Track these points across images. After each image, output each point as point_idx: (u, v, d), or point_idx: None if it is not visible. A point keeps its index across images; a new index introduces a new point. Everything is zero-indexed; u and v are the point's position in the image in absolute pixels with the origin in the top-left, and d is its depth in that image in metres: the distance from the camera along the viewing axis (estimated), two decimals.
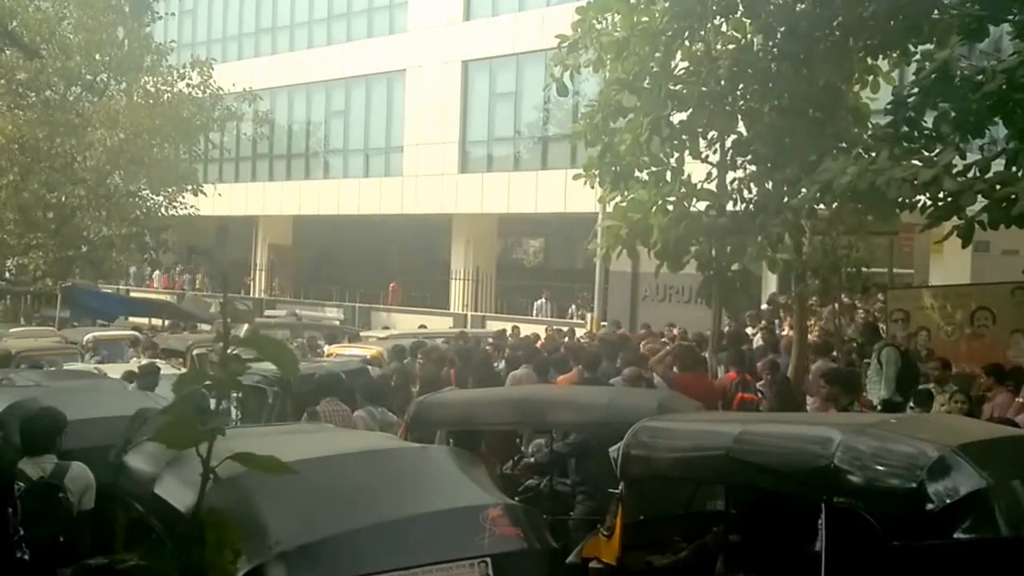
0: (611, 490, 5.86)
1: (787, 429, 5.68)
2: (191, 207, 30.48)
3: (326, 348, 19.21)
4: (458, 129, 30.42)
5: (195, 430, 1.55)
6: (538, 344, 17.66)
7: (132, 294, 35.16)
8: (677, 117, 13.70)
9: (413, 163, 31.25)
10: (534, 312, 28.84)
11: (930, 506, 4.54)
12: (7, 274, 32.27)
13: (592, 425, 7.56)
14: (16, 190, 27.83)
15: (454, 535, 4.48)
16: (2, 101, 28.86)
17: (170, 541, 4.80)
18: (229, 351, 1.59)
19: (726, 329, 15.34)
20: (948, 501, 4.53)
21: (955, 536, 4.50)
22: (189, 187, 30.45)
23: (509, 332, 21.00)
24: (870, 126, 13.03)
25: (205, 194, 30.73)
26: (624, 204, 14.33)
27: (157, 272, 39.01)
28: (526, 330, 21.68)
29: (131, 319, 27.43)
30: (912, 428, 5.50)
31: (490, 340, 18.99)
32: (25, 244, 29.46)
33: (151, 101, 29.77)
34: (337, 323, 27.57)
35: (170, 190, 30.31)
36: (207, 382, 1.57)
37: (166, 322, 26.36)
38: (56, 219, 29.09)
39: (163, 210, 30.44)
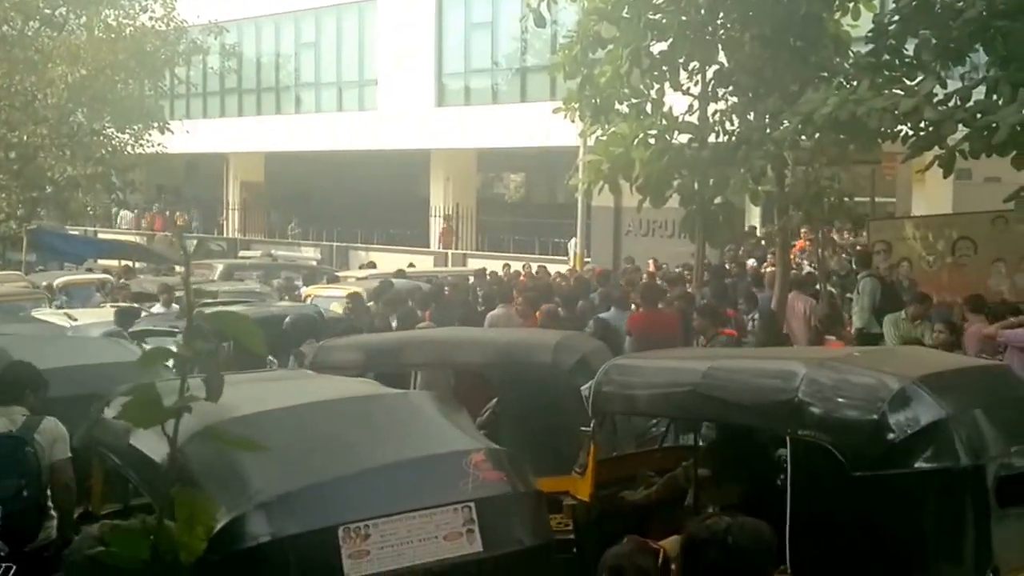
0: (583, 428, 6.04)
1: (753, 364, 5.90)
2: (158, 145, 30.36)
3: (303, 289, 19.40)
4: (433, 61, 30.35)
5: (161, 408, 1.55)
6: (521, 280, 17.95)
7: (100, 235, 35.13)
8: (657, 48, 13.88)
9: (388, 97, 31.19)
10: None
11: (891, 437, 4.75)
12: None
13: (487, 365, 7.74)
14: None
15: (437, 481, 4.59)
16: None
17: (147, 493, 5.01)
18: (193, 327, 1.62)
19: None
20: (909, 432, 4.72)
21: (916, 466, 4.70)
22: (156, 124, 30.30)
23: (500, 271, 21.29)
24: (851, 55, 13.26)
25: (172, 131, 30.62)
26: (605, 138, 14.56)
27: (146, 212, 38.75)
28: (514, 268, 21.98)
29: (100, 262, 27.54)
30: (875, 360, 5.68)
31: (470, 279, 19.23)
32: None
33: (113, 35, 29.49)
34: (314, 263, 27.75)
35: (136, 128, 30.14)
36: (170, 360, 1.59)
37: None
38: (18, 159, 28.93)
39: (129, 148, 30.30)
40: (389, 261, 26.73)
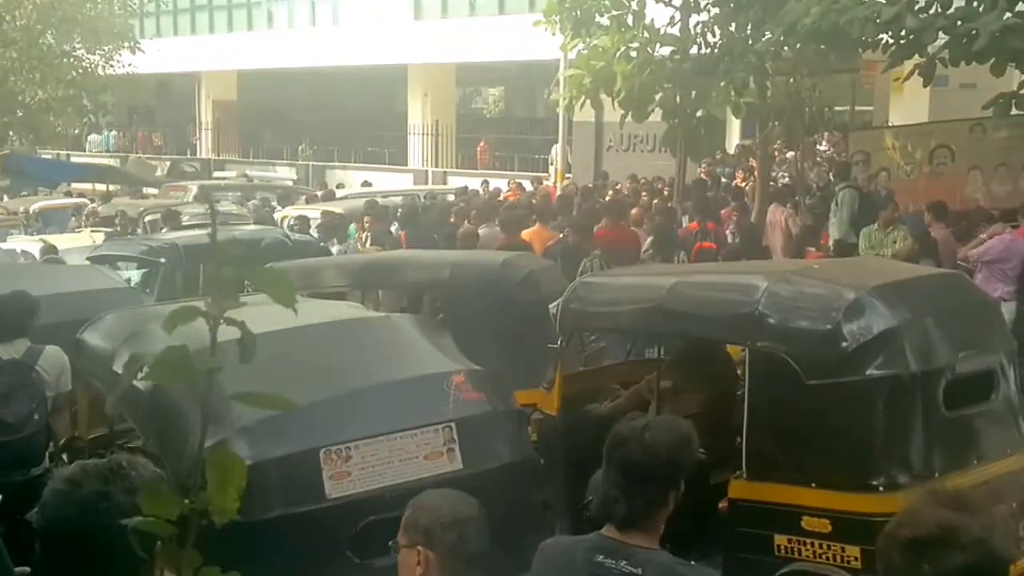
0: (550, 345, 6.18)
1: (716, 279, 6.12)
2: (129, 66, 29.98)
3: (279, 211, 19.32)
4: None
5: (190, 367, 1.55)
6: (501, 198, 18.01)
7: (73, 159, 34.90)
8: None
9: (363, 11, 30.80)
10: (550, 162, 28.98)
11: (844, 345, 4.92)
12: None
13: (434, 284, 7.87)
14: None
15: (419, 402, 4.69)
16: None
17: (132, 421, 5.11)
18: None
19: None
20: (861, 340, 4.91)
21: (868, 373, 4.89)
22: (126, 44, 29.89)
23: (479, 187, 21.30)
24: None
25: (143, 51, 30.23)
26: (586, 52, 14.56)
27: (110, 133, 38.47)
28: (494, 185, 22.01)
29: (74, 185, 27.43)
30: (832, 272, 5.87)
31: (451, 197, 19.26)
32: None
33: None
34: (290, 183, 27.70)
35: (106, 48, 29.75)
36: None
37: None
38: None
39: (100, 70, 29.95)
40: (366, 179, 26.72)
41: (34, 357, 6.13)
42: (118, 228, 16.99)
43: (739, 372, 6.00)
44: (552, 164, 24.25)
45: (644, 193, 16.50)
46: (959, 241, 10.72)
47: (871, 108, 22.49)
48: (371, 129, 32.66)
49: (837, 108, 16.13)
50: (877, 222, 11.23)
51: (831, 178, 14.91)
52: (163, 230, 15.54)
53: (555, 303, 6.35)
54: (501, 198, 18.68)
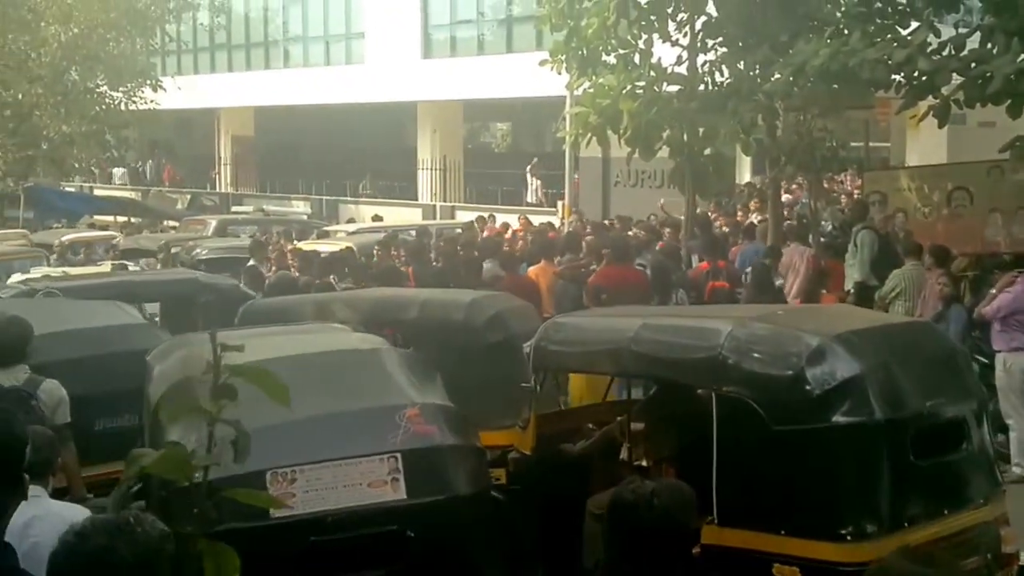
0: (523, 384, 6.05)
1: (680, 322, 5.93)
2: (151, 102, 29.63)
3: (295, 243, 18.80)
4: (419, 13, 29.54)
5: (187, 463, 1.62)
6: (508, 234, 17.42)
7: (96, 191, 34.48)
8: None
9: (374, 50, 30.40)
10: (528, 194, 28.49)
11: (809, 391, 4.76)
12: None
13: (405, 323, 7.77)
14: None
15: (367, 432, 4.71)
16: None
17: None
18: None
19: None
20: (826, 387, 4.74)
21: (834, 420, 4.71)
22: (148, 81, 29.57)
23: (486, 220, 20.74)
24: (843, 3, 12.65)
25: (164, 88, 29.87)
26: (592, 90, 14.01)
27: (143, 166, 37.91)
28: (500, 220, 21.41)
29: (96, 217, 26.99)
30: (795, 318, 5.78)
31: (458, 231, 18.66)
32: None
33: None
34: (305, 217, 27.14)
35: (129, 85, 29.42)
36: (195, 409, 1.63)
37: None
38: (14, 118, 28.25)
39: (123, 106, 29.59)
40: (379, 214, 26.19)
41: (34, 386, 5.88)
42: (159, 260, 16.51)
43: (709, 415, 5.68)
44: (560, 201, 23.63)
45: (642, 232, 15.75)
46: (977, 289, 10.06)
47: (887, 144, 21.81)
48: (382, 164, 32.21)
49: (852, 144, 15.46)
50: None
51: (843, 214, 14.19)
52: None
53: (528, 343, 6.10)
54: (509, 234, 18.12)
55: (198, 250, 16.98)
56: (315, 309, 8.41)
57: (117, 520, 2.26)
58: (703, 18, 13.42)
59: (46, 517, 3.92)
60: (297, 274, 12.97)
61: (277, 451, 4.43)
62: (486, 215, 21.75)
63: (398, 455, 4.55)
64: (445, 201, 29.30)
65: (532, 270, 11.98)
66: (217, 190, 35.37)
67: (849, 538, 4.63)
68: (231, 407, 4.96)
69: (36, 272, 15.28)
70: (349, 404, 4.96)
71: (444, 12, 29.47)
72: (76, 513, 4.43)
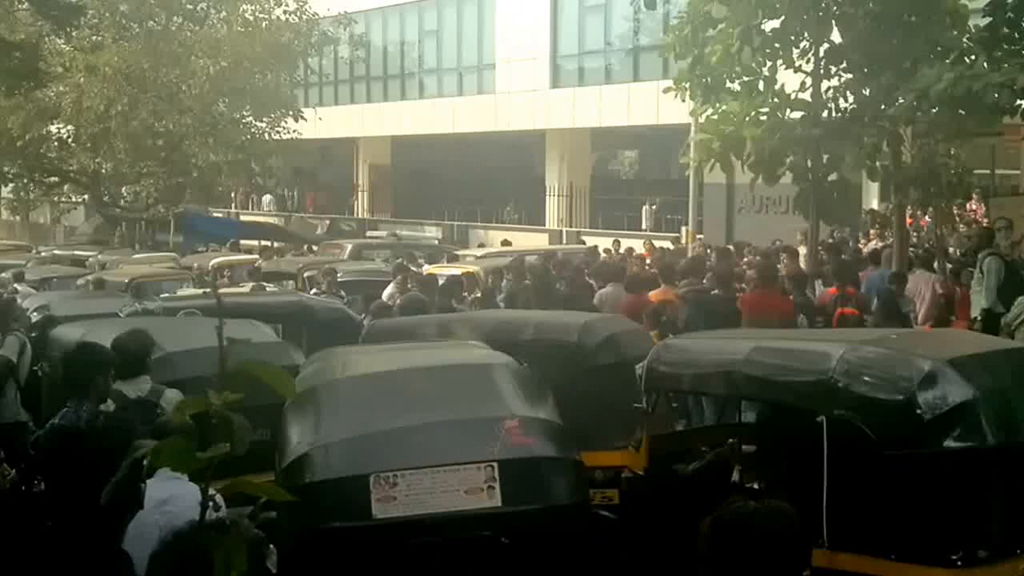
0: (635, 405, 6.10)
1: (793, 345, 5.87)
2: (293, 131, 30.80)
3: (425, 268, 19.29)
4: (548, 43, 29.93)
5: (192, 456, 1.57)
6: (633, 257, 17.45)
7: (242, 217, 35.91)
8: (769, 25, 13.23)
9: (505, 80, 30.93)
10: (642, 221, 28.55)
11: (920, 416, 4.66)
12: (122, 201, 33.28)
13: (518, 344, 7.70)
14: (126, 120, 28.42)
15: (466, 441, 4.89)
16: (107, 33, 29.34)
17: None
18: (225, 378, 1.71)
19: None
20: (938, 412, 4.64)
21: (945, 445, 4.61)
22: (290, 112, 30.76)
23: (611, 246, 20.86)
24: (967, 28, 12.36)
25: (305, 119, 31.01)
26: (716, 117, 14.01)
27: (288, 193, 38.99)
28: (626, 245, 21.51)
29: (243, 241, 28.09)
30: (908, 343, 5.66)
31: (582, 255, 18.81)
32: (137, 172, 30.27)
33: (250, 29, 29.99)
34: (436, 242, 27.72)
35: (272, 115, 30.64)
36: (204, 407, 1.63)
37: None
38: (165, 147, 29.72)
39: (266, 135, 30.82)
40: (508, 239, 26.56)
41: (157, 396, 6.06)
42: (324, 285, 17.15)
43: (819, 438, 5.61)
44: (684, 227, 23.55)
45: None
46: None
47: (1017, 172, 21.04)
48: (511, 191, 32.64)
49: (979, 171, 14.99)
50: None
51: (968, 240, 13.77)
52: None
53: (640, 363, 6.20)
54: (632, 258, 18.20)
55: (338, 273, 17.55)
56: (438, 329, 8.64)
57: (215, 522, 2.30)
58: (826, 44, 13.25)
59: (182, 496, 4.28)
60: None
61: (381, 456, 4.70)
62: (612, 241, 21.89)
63: (495, 464, 4.71)
64: (571, 226, 29.51)
65: (653, 294, 12.05)
66: (354, 216, 36.42)
67: (960, 564, 4.54)
68: (346, 412, 5.33)
69: (182, 292, 16.15)
70: (452, 414, 5.14)
71: (572, 43, 29.80)
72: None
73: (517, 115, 29.87)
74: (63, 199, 37.73)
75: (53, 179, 34.59)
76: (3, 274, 19.80)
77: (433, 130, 33.15)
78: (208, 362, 7.31)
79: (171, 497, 4.29)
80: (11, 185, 35.77)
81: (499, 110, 30.37)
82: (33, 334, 9.34)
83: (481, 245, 26.24)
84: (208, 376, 6.84)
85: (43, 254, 25.24)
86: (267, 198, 38.21)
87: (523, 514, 4.67)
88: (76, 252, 25.89)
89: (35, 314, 10.96)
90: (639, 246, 20.93)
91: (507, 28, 30.80)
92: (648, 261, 17.71)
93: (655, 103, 25.23)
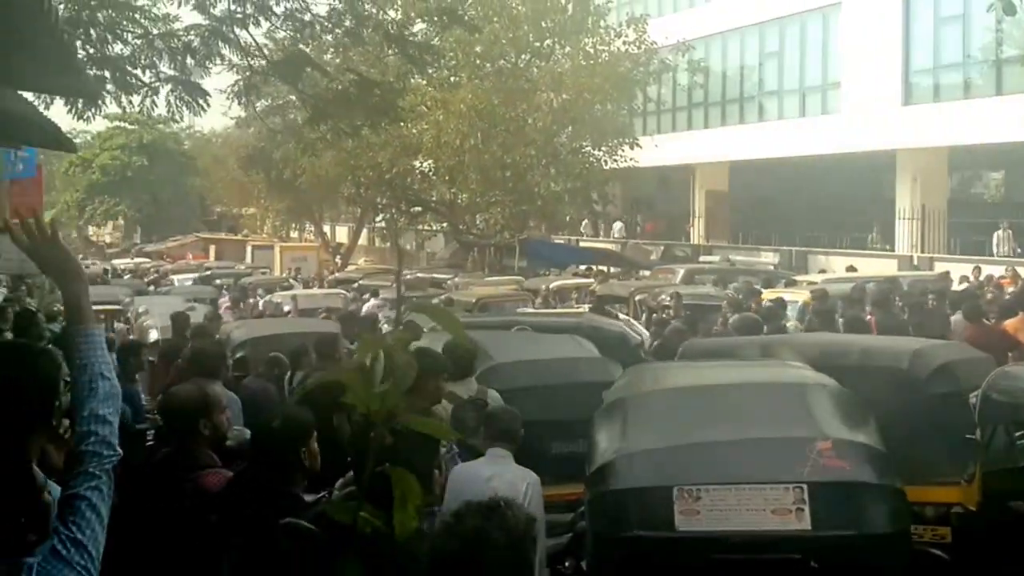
0: (968, 436, 5.70)
1: None
2: (630, 160, 31.13)
3: (763, 292, 18.70)
4: (900, 59, 28.13)
5: (371, 392, 1.63)
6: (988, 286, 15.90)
7: (581, 243, 36.75)
8: None
9: (851, 99, 29.44)
10: (993, 246, 26.14)
11: None
12: (474, 228, 35.14)
13: (845, 368, 7.16)
14: (478, 153, 30.03)
15: (774, 461, 4.76)
16: (463, 73, 31.15)
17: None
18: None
19: None
20: None
21: None
22: (627, 141, 31.15)
23: (970, 274, 19.24)
24: None
25: (642, 146, 31.25)
26: None
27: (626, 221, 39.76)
28: (987, 271, 19.68)
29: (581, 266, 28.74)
30: None
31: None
32: (486, 201, 31.86)
33: (591, 62, 30.78)
34: (771, 268, 26.83)
35: (610, 144, 31.17)
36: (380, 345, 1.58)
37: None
38: (512, 178, 31.06)
39: (604, 164, 31.38)
40: (853, 264, 25.20)
41: (484, 395, 6.62)
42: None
43: None
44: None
45: None
46: None
47: None
48: (856, 215, 30.94)
49: None
50: None
51: None
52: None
53: (974, 392, 5.75)
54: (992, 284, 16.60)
55: (662, 296, 17.54)
56: (760, 350, 8.47)
57: (490, 503, 2.38)
58: None
59: (503, 475, 4.88)
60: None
61: (685, 469, 4.69)
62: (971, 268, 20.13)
63: (804, 486, 4.54)
64: (924, 252, 27.47)
65: (1010, 323, 10.95)
66: (690, 242, 36.17)
67: None
68: (654, 423, 5.28)
69: (522, 312, 16.74)
70: (761, 432, 5.03)
71: (927, 57, 27.82)
72: (526, 476, 5.05)
73: (864, 135, 28.29)
74: (425, 227, 40.54)
75: (416, 209, 37.33)
76: (366, 296, 21.80)
77: (773, 154, 32.20)
78: (532, 374, 7.74)
79: (494, 475, 4.87)
80: (381, 215, 39.05)
81: (845, 131, 28.93)
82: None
83: (822, 271, 25.06)
84: (532, 387, 7.29)
85: (408, 277, 27.24)
86: (617, 225, 38.76)
87: (835, 539, 4.46)
88: (435, 275, 27.82)
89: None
90: (1000, 273, 19.06)
91: (854, 44, 29.34)
92: (1011, 290, 16.11)
93: (1022, 119, 23.01)
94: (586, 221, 38.81)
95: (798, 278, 21.25)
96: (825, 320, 12.15)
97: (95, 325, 2.56)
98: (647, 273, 25.76)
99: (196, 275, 31.38)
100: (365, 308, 19.37)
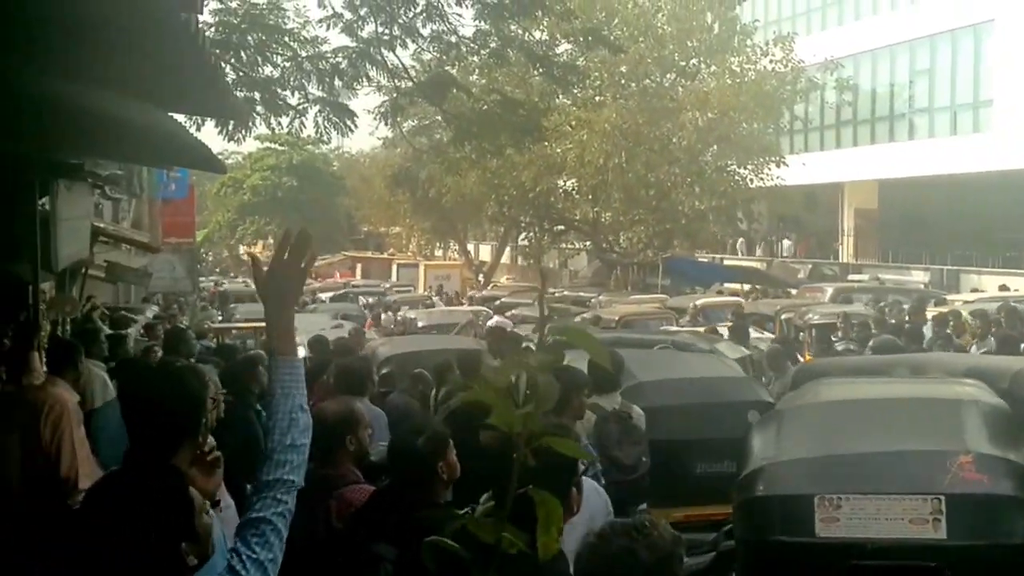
0: None
1: None
2: (776, 178, 30.56)
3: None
4: None
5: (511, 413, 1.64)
6: None
7: (726, 262, 36.22)
8: None
9: (1004, 116, 28.25)
10: None
11: None
12: (617, 247, 35.09)
13: (996, 391, 6.83)
14: (621, 172, 30.06)
15: (914, 473, 4.79)
16: (607, 93, 31.21)
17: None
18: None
19: None
20: None
21: None
22: (773, 159, 30.62)
23: None
24: None
25: (788, 165, 30.64)
26: None
27: (770, 240, 38.97)
28: None
29: (727, 285, 28.33)
30: None
31: None
32: (629, 220, 31.84)
33: (737, 80, 30.45)
34: (922, 286, 25.88)
35: (755, 163, 30.66)
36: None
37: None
38: (655, 196, 30.98)
39: (750, 182, 30.87)
40: (1006, 283, 24.06)
41: (628, 409, 6.69)
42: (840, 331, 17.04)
43: None
44: None
45: None
46: None
47: None
48: (1009, 233, 29.53)
49: None
50: None
51: None
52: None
53: None
54: None
55: (809, 315, 17.19)
56: (908, 369, 8.18)
57: (635, 523, 2.40)
58: None
59: (598, 509, 4.70)
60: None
61: (828, 479, 4.84)
62: None
63: (942, 497, 4.61)
64: None
65: None
66: (838, 260, 35.19)
67: None
68: (803, 435, 5.28)
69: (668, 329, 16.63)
70: (904, 445, 5.11)
71: None
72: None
73: (1017, 153, 27.02)
74: (568, 245, 40.66)
75: (559, 227, 37.51)
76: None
77: (924, 172, 31.16)
78: (676, 393, 7.76)
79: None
80: (525, 233, 39.33)
81: (996, 148, 27.72)
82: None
83: (974, 290, 24.04)
84: (677, 405, 7.29)
85: (551, 295, 27.40)
86: (786, 243, 37.95)
87: (970, 548, 4.57)
88: (580, 293, 27.91)
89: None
90: None
91: (1006, 61, 28.14)
92: None
93: None
94: (741, 240, 38.19)
95: (949, 297, 20.45)
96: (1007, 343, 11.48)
97: (298, 357, 2.54)
98: (793, 292, 25.24)
99: (342, 292, 32.21)
100: (489, 324, 19.50)
